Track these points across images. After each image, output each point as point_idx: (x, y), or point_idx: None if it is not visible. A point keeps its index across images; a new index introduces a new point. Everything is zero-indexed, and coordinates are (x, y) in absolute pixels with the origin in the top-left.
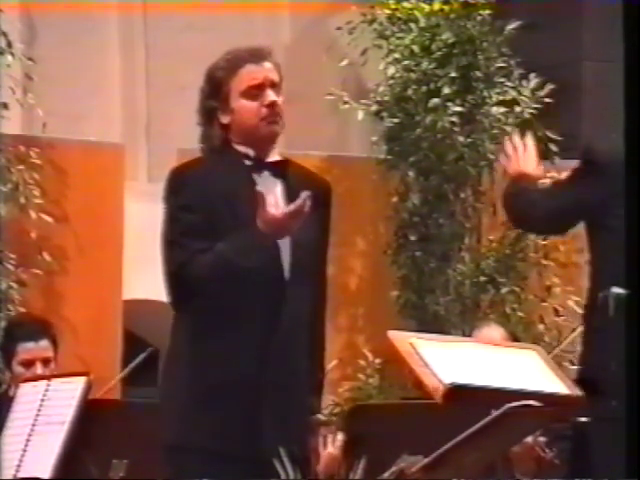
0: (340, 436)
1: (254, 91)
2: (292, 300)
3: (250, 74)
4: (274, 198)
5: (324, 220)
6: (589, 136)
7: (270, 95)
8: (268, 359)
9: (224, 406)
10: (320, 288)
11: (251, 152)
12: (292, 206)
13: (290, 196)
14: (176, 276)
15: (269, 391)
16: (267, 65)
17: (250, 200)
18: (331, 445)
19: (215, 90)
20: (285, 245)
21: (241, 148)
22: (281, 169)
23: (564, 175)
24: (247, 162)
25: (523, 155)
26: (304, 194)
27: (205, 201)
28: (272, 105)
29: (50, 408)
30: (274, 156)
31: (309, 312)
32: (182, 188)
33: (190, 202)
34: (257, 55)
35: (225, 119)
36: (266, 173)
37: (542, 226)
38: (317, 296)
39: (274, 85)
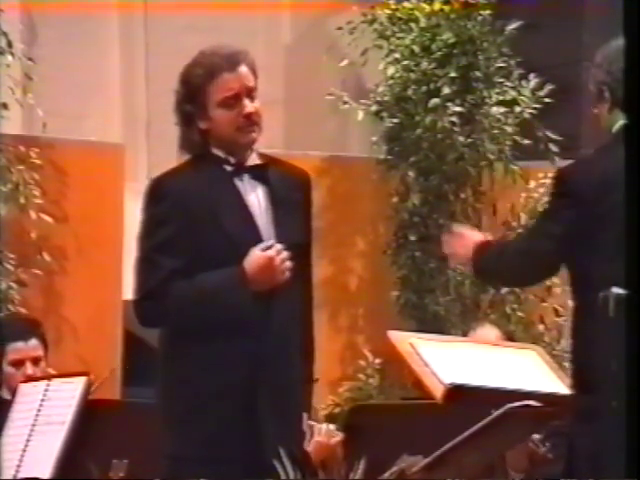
0: (328, 426)
1: (231, 101)
2: (283, 300)
3: (226, 84)
4: (257, 201)
5: (306, 216)
6: (587, 138)
7: (247, 106)
8: (263, 361)
9: (221, 411)
10: (308, 284)
11: (231, 158)
12: (279, 247)
13: (272, 198)
14: (148, 300)
15: (265, 393)
16: (243, 70)
17: (233, 208)
18: (318, 434)
19: (192, 96)
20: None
21: (221, 153)
22: (261, 172)
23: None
24: (227, 168)
25: (464, 236)
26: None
27: (185, 213)
28: (249, 116)
29: (50, 408)
30: (254, 158)
31: (299, 309)
32: (159, 200)
33: (167, 215)
34: (232, 61)
35: (203, 125)
36: (246, 177)
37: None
38: (306, 293)
39: (250, 92)
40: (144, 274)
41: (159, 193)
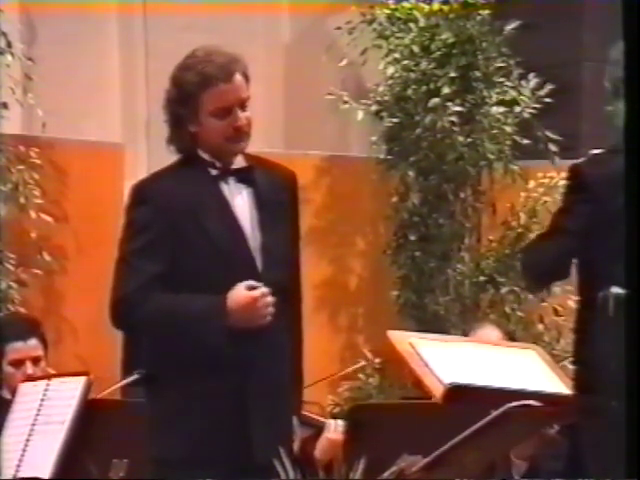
0: (337, 422)
1: (223, 112)
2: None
3: (220, 95)
4: (242, 204)
5: (293, 217)
6: (588, 137)
7: (239, 118)
8: (251, 365)
9: (211, 415)
10: (296, 287)
11: (217, 162)
12: (265, 290)
13: (257, 201)
14: (124, 303)
15: (254, 395)
16: (237, 79)
17: (218, 212)
18: (329, 431)
19: (184, 100)
20: (257, 250)
21: (207, 157)
22: (246, 174)
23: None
24: (213, 172)
25: None
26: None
27: (168, 217)
28: (239, 128)
29: (50, 408)
30: (239, 160)
31: (287, 313)
32: (141, 204)
33: (149, 220)
34: (227, 71)
35: (193, 128)
36: (232, 180)
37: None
38: (294, 296)
39: (243, 103)
40: (123, 277)
41: (141, 197)
